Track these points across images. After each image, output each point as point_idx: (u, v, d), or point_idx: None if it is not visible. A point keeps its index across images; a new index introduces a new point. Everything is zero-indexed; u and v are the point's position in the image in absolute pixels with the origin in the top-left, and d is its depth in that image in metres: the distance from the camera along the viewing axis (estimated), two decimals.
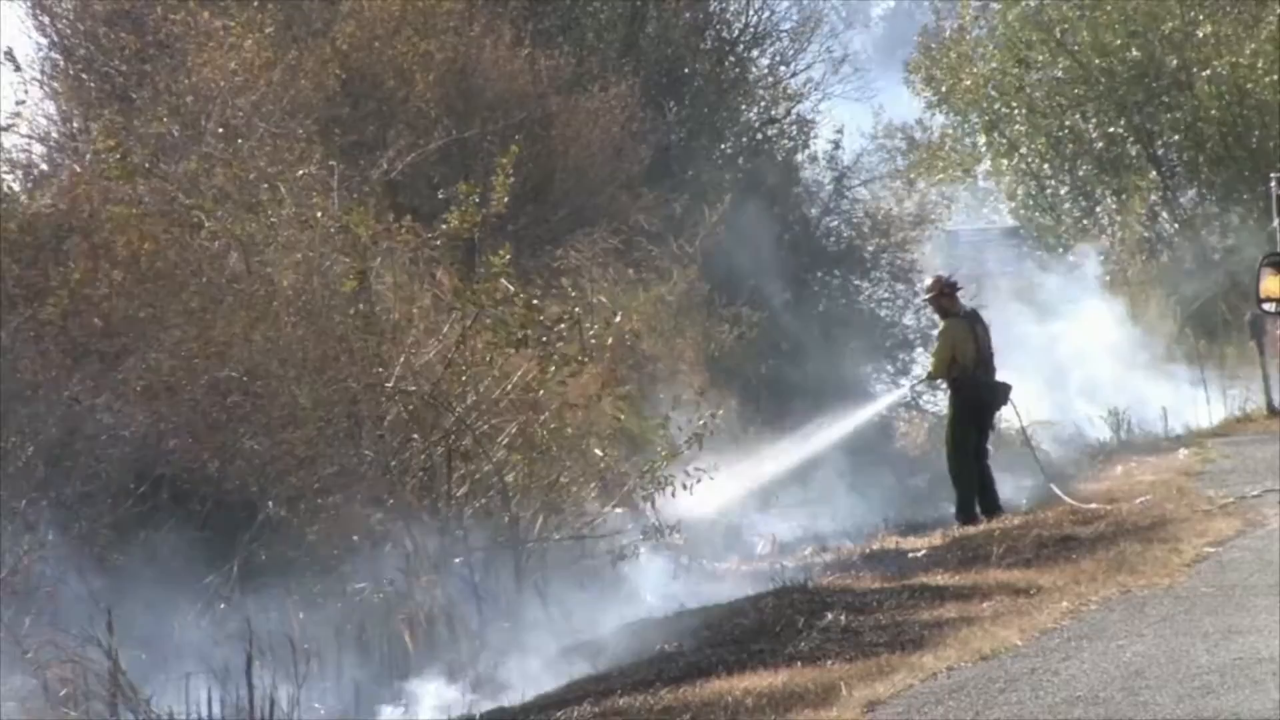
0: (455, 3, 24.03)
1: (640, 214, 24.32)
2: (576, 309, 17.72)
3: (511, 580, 16.04)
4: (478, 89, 24.00)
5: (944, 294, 18.30)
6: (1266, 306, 16.44)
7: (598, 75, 26.18)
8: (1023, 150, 36.19)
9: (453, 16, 23.94)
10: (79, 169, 16.48)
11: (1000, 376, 18.34)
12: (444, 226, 16.65)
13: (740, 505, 20.40)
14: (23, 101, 17.56)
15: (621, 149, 25.50)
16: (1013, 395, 18.39)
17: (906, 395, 28.33)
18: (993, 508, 17.72)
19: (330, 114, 21.55)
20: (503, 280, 16.27)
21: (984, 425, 18.12)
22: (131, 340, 14.87)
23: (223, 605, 14.17)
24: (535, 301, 16.87)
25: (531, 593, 16.04)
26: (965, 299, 19.16)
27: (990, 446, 18.53)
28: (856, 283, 31.23)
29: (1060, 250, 35.44)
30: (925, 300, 19.73)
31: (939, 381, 18.77)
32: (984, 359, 18.02)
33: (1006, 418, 19.73)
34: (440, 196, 20.61)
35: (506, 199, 17.00)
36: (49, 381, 14.22)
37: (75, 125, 21.12)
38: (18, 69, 18.58)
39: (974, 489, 17.87)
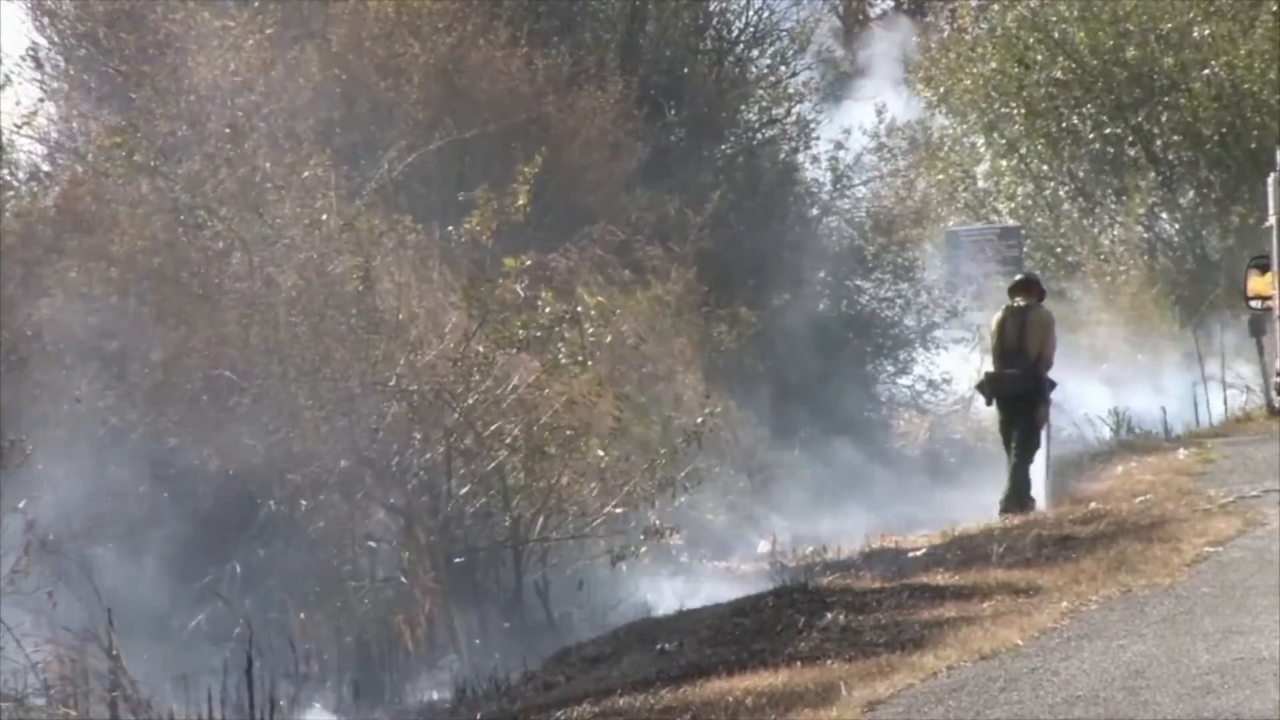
0: (448, 3, 23.98)
1: (637, 214, 24.28)
2: (578, 308, 17.73)
3: (511, 580, 16.05)
4: (470, 89, 23.94)
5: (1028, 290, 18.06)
6: (1254, 304, 16.49)
7: (593, 74, 26.14)
8: (1022, 151, 36.17)
9: (445, 17, 23.88)
10: (80, 169, 16.50)
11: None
12: (464, 228, 16.72)
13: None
14: (43, 100, 17.58)
15: (618, 148, 25.46)
16: (1017, 388, 17.84)
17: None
18: (1010, 503, 17.36)
19: (328, 115, 21.54)
20: (516, 286, 16.30)
21: (1009, 418, 17.71)
22: (130, 339, 14.90)
23: (223, 605, 14.20)
24: (541, 303, 16.90)
25: (531, 593, 16.05)
26: (965, 300, 19.07)
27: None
28: (857, 283, 31.18)
29: (1059, 250, 35.43)
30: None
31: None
32: (1005, 352, 17.74)
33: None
34: (439, 197, 20.61)
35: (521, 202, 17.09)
36: (51, 381, 14.24)
37: (75, 125, 21.10)
38: (39, 67, 18.60)
39: (1018, 482, 17.48)
